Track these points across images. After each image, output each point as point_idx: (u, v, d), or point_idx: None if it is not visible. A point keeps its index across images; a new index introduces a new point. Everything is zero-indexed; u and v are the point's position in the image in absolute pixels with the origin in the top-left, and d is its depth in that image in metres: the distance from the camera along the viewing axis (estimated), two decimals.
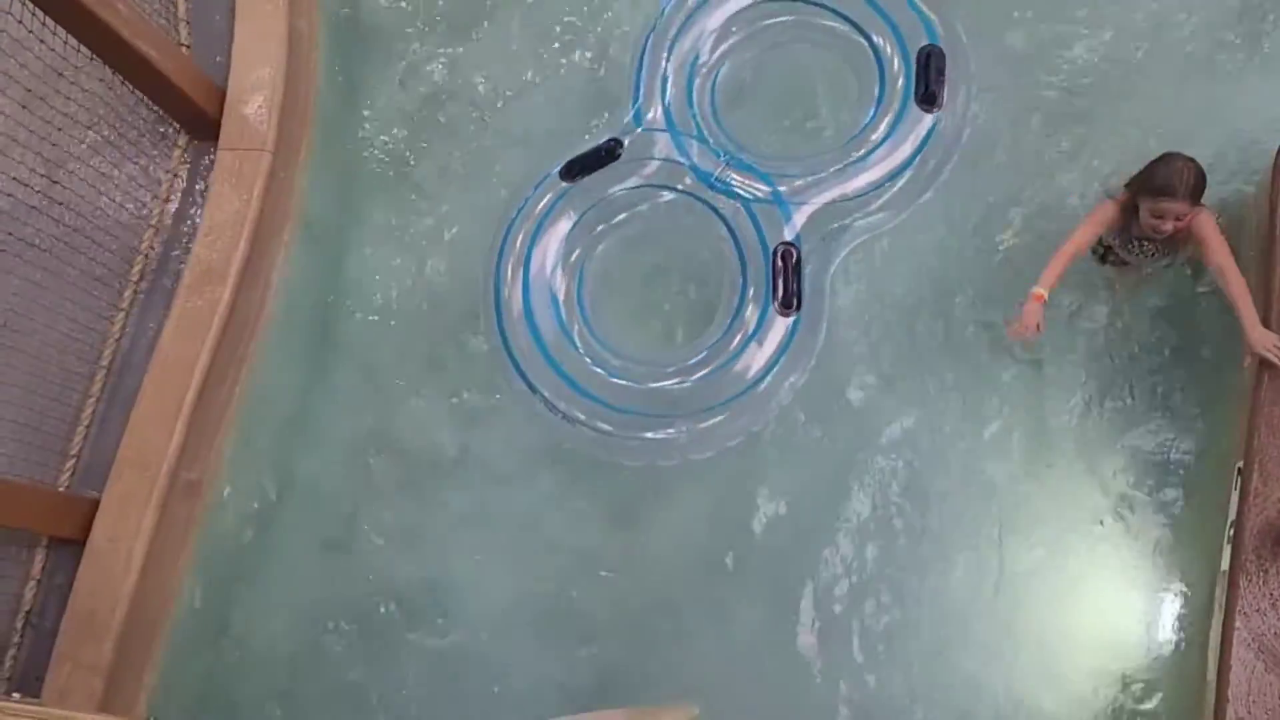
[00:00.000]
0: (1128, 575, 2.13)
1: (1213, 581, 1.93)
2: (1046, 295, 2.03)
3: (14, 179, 2.14)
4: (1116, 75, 2.45)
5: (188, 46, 2.46)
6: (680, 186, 2.13)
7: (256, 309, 2.30)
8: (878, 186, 2.05)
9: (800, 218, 2.05)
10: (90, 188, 2.24)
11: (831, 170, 2.08)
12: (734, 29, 2.25)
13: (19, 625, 2.07)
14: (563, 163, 2.13)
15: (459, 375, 2.39)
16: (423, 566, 2.29)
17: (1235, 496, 1.86)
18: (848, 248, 2.15)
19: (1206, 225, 1.95)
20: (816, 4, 2.16)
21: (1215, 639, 1.82)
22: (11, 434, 2.11)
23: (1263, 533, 1.80)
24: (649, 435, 2.05)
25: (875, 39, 2.11)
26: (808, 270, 2.04)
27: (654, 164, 2.15)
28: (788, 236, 2.04)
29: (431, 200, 2.59)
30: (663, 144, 2.16)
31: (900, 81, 2.08)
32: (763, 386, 2.01)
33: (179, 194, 2.34)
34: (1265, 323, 1.91)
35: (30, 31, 2.04)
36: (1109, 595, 2.16)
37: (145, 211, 2.31)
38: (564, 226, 2.14)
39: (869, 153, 2.06)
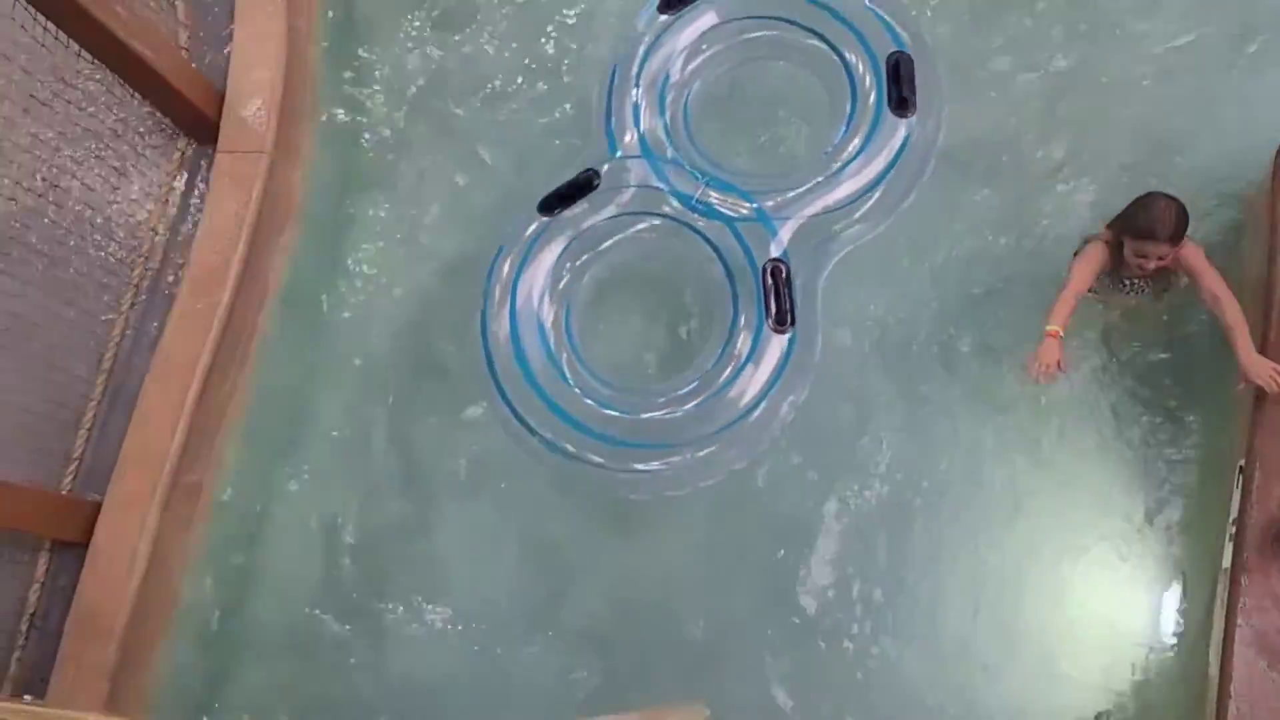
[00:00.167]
0: (1130, 575, 2.13)
1: (1214, 579, 1.92)
2: (1061, 331, 2.01)
3: (16, 183, 2.17)
4: (1096, 86, 2.47)
5: (187, 49, 2.48)
6: (662, 211, 2.12)
7: (256, 310, 2.32)
8: (860, 195, 2.04)
9: (786, 233, 2.03)
10: (91, 191, 2.26)
11: (814, 183, 2.07)
12: (704, 46, 2.24)
13: (24, 628, 2.10)
14: (540, 198, 2.12)
15: (457, 376, 2.39)
16: (426, 565, 2.31)
17: (1237, 494, 1.86)
18: (835, 258, 2.14)
19: (1194, 257, 1.97)
20: (782, 20, 2.16)
21: (1218, 637, 1.83)
22: (13, 437, 2.15)
23: (1264, 530, 1.80)
24: (642, 467, 2.05)
25: (843, 50, 2.11)
26: (799, 284, 2.03)
27: (631, 191, 2.14)
28: (775, 253, 2.02)
29: (425, 202, 2.60)
30: (639, 170, 2.14)
31: (871, 90, 2.07)
32: (761, 409, 2.00)
33: (179, 196, 2.37)
34: (1264, 341, 1.90)
35: (31, 37, 2.06)
36: (1112, 595, 2.17)
37: (145, 214, 2.34)
38: (547, 259, 2.12)
39: (848, 162, 2.05)
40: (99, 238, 2.24)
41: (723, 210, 2.06)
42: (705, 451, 2.01)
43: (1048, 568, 2.15)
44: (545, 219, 2.12)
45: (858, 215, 2.08)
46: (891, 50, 2.05)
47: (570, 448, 1.98)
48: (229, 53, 2.44)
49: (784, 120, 2.53)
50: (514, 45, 2.70)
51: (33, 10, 1.98)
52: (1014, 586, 2.18)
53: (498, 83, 2.68)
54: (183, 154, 2.39)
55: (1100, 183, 2.36)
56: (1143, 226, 1.91)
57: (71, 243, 2.22)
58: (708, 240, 2.08)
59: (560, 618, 2.23)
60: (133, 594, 2.06)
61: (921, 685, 2.11)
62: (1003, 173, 2.45)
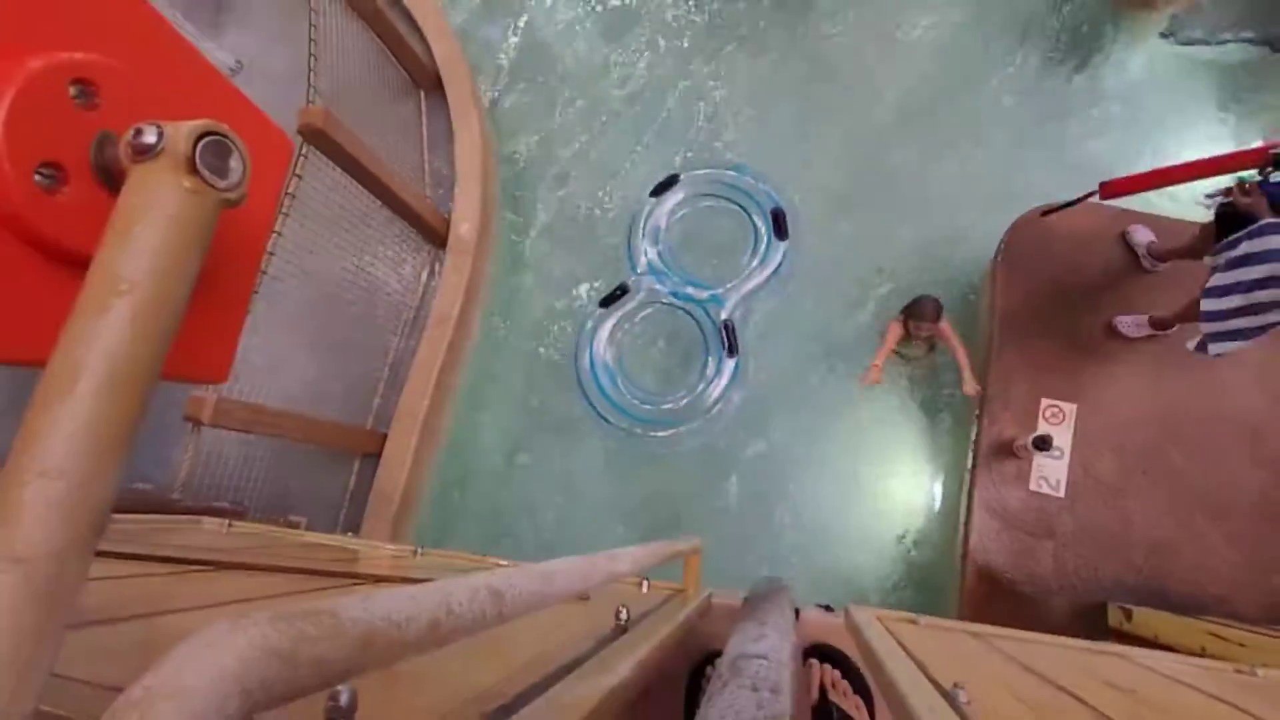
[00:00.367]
0: (919, 471, 3.74)
1: (962, 472, 3.46)
2: (879, 363, 3.53)
3: (343, 268, 4.13)
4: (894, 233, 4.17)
5: (429, 196, 4.48)
6: (663, 301, 4.02)
7: (467, 335, 4.21)
8: (763, 284, 3.87)
9: (729, 305, 3.89)
10: (382, 271, 4.22)
11: (741, 278, 3.93)
12: (677, 211, 4.17)
13: (346, 499, 3.93)
14: (598, 300, 4.10)
15: (565, 376, 4.23)
16: (553, 480, 4.09)
17: (974, 428, 3.45)
18: (754, 316, 3.97)
19: (945, 329, 3.48)
20: (718, 196, 4.08)
21: (964, 502, 3.35)
22: (342, 400, 4.03)
23: (989, 446, 3.37)
24: (660, 434, 3.91)
25: (749, 209, 4.01)
26: (740, 332, 3.87)
27: (645, 292, 4.06)
28: (725, 315, 3.89)
29: (549, 289, 4.49)
30: (649, 280, 4.06)
31: (764, 228, 3.93)
32: (721, 404, 3.83)
33: (426, 275, 4.31)
34: (986, 365, 3.51)
35: (350, 192, 4.04)
36: (910, 482, 3.71)
37: (410, 284, 4.28)
38: (607, 328, 4.05)
39: (758, 265, 3.92)
40: (386, 296, 4.19)
41: (694, 297, 3.95)
42: (692, 425, 3.84)
43: (874, 477, 3.74)
44: (603, 310, 4.05)
45: (763, 294, 3.93)
46: (774, 206, 3.93)
47: (622, 425, 3.87)
48: (453, 200, 4.43)
49: (722, 247, 4.25)
50: (583, 204, 4.57)
51: (350, 178, 3.93)
52: (855, 485, 3.77)
53: (581, 222, 4.58)
54: (429, 252, 4.36)
55: (897, 282, 3.99)
56: (918, 313, 3.46)
57: (372, 299, 4.17)
58: (689, 313, 3.98)
59: (619, 502, 3.97)
60: (404, 481, 3.85)
61: (804, 542, 3.76)
62: (839, 275, 4.11)
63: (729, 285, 3.97)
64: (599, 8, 4.84)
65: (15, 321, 0.49)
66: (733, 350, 3.83)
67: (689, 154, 4.42)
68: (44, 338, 0.42)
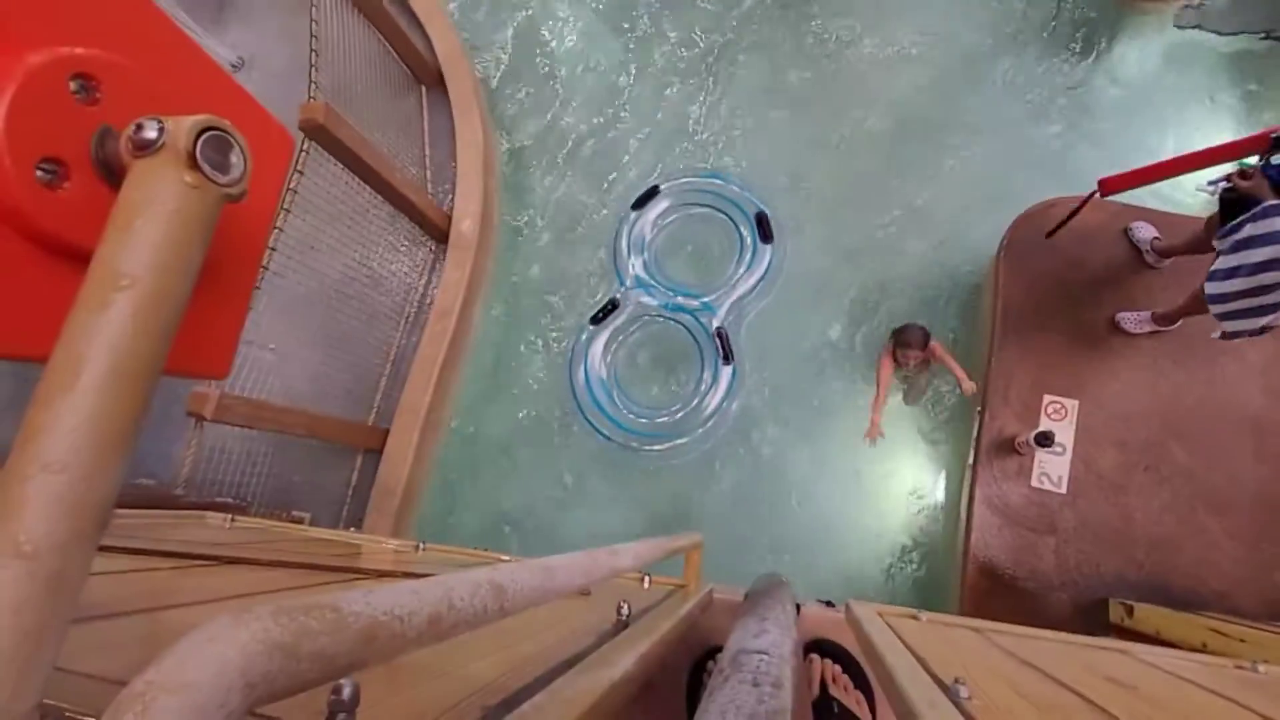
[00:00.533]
0: (921, 469, 3.74)
1: (963, 470, 3.46)
2: (879, 417, 3.60)
3: (344, 264, 4.13)
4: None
5: (431, 193, 4.48)
6: (653, 313, 3.99)
7: (468, 329, 4.22)
8: (753, 289, 3.86)
9: (722, 311, 3.87)
10: (385, 268, 4.21)
11: (730, 285, 3.91)
12: (661, 220, 4.15)
13: (348, 494, 3.94)
14: (590, 316, 4.08)
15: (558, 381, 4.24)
16: (555, 475, 4.10)
17: (976, 426, 3.44)
18: (746, 321, 3.95)
19: (937, 349, 3.51)
20: (701, 204, 4.06)
21: (966, 499, 3.34)
22: (344, 395, 4.04)
23: (991, 442, 3.36)
24: (655, 448, 3.90)
25: (734, 215, 3.98)
26: (734, 338, 3.85)
27: (635, 306, 4.03)
28: (718, 323, 3.87)
29: (560, 280, 4.46)
30: (638, 293, 4.03)
31: (749, 230, 3.91)
32: (716, 418, 3.81)
33: (428, 269, 4.31)
34: (988, 362, 3.52)
35: (348, 186, 4.04)
36: (914, 479, 3.72)
37: (411, 279, 4.28)
38: (601, 342, 4.03)
39: (746, 270, 3.89)
40: (387, 292, 4.19)
41: (685, 306, 3.92)
42: (693, 436, 3.83)
43: (875, 474, 3.74)
44: (593, 327, 4.05)
45: (753, 298, 3.90)
46: (757, 210, 3.90)
47: (617, 439, 3.85)
48: (454, 193, 4.43)
49: (709, 254, 4.24)
50: (584, 200, 4.58)
51: (351, 174, 3.94)
52: (855, 482, 3.78)
53: (582, 219, 4.57)
54: (430, 248, 4.36)
55: (895, 281, 3.99)
56: (905, 341, 3.49)
57: (373, 295, 4.17)
58: (681, 324, 3.95)
59: (620, 499, 3.98)
60: (406, 476, 3.87)
61: (805, 539, 3.76)
62: (834, 275, 4.09)
63: (719, 293, 3.94)
64: (598, 6, 4.83)
65: (17, 316, 0.49)
66: (728, 357, 3.82)
67: (688, 147, 4.42)
68: (46, 333, 0.42)
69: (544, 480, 4.01)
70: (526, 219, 4.58)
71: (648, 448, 3.88)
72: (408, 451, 3.88)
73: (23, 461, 0.37)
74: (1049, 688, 0.89)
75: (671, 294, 4.00)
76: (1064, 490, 3.19)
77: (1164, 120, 4.01)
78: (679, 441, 3.86)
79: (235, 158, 0.48)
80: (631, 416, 3.91)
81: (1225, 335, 2.63)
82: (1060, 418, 3.26)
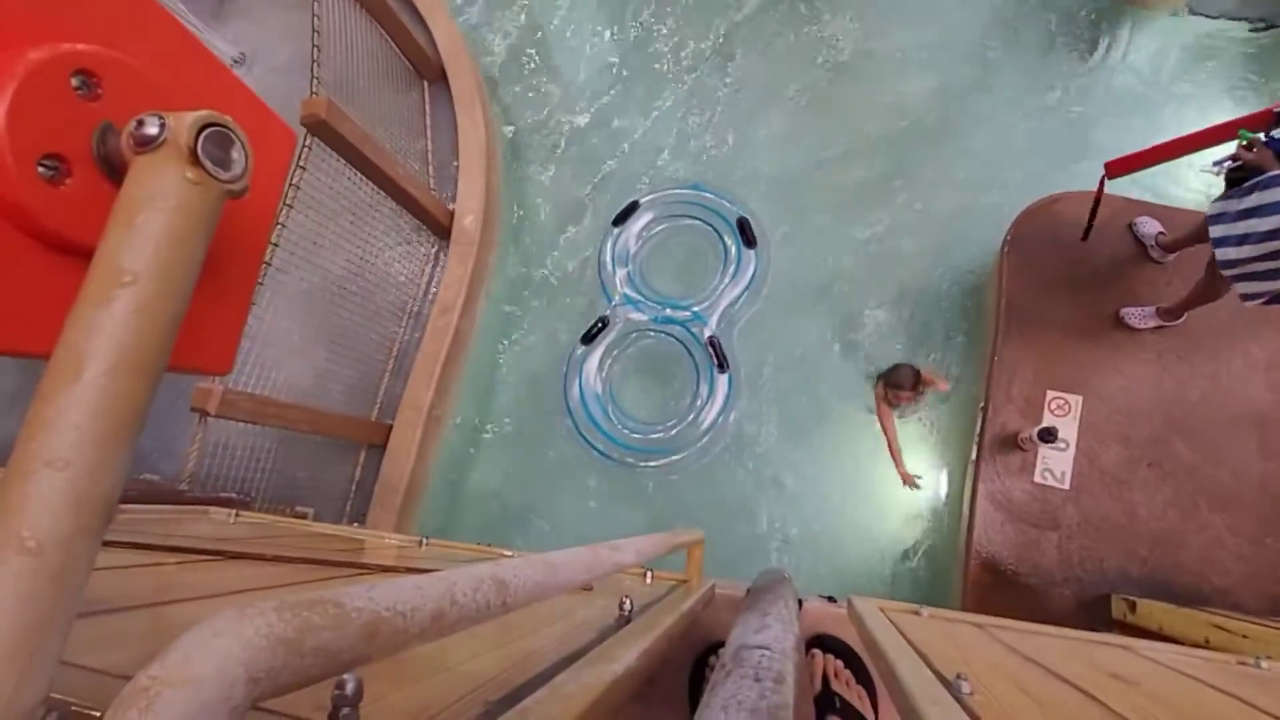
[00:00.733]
0: (922, 466, 3.72)
1: (966, 466, 3.45)
2: (905, 467, 3.61)
3: (346, 261, 4.13)
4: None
5: (434, 189, 4.47)
6: (643, 328, 3.97)
7: (470, 325, 4.22)
8: (740, 295, 3.84)
9: (713, 321, 3.85)
10: (387, 264, 4.21)
11: (719, 292, 3.89)
12: (645, 233, 4.12)
13: (352, 489, 3.95)
14: (581, 335, 4.06)
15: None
16: (557, 470, 4.10)
17: (979, 424, 3.42)
18: (737, 327, 3.93)
19: (929, 373, 3.55)
20: (683, 215, 4.04)
21: (969, 495, 3.34)
22: (347, 391, 4.04)
23: (994, 438, 3.35)
24: (650, 465, 3.88)
25: (713, 223, 3.96)
26: (726, 346, 3.83)
27: (625, 322, 4.01)
28: (710, 332, 3.86)
29: (561, 278, 4.47)
30: (626, 308, 4.01)
31: (732, 237, 3.90)
32: (713, 433, 3.78)
33: (430, 265, 4.31)
34: (992, 352, 3.54)
35: (354, 183, 4.03)
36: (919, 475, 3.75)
37: (413, 275, 4.28)
38: (594, 360, 4.01)
39: (732, 278, 3.88)
40: (390, 287, 4.19)
41: (675, 318, 3.89)
42: (693, 449, 3.81)
43: (877, 471, 3.72)
44: (585, 346, 4.04)
45: (742, 305, 3.89)
46: (739, 216, 3.88)
47: (612, 455, 3.84)
48: (456, 189, 4.43)
49: (695, 264, 4.22)
50: (586, 197, 4.59)
51: (354, 170, 3.92)
52: (857, 478, 3.77)
53: (585, 214, 4.58)
54: (432, 244, 4.36)
55: (891, 278, 3.98)
56: (895, 382, 3.53)
57: (376, 290, 4.17)
58: (674, 336, 3.93)
59: (621, 496, 3.98)
60: (409, 472, 3.87)
61: (807, 535, 3.76)
62: (829, 275, 4.09)
63: (707, 302, 3.92)
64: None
65: (19, 313, 0.49)
66: (723, 365, 3.81)
67: (689, 144, 4.41)
68: (48, 329, 0.42)
69: (547, 476, 4.02)
70: (528, 214, 4.57)
71: (644, 464, 3.86)
72: (411, 447, 3.89)
73: (26, 457, 0.37)
74: (1051, 683, 0.89)
75: (660, 307, 3.98)
76: (1067, 486, 3.18)
77: (1168, 115, 3.98)
78: (675, 457, 3.84)
79: (237, 154, 0.48)
80: (626, 432, 3.90)
81: (1244, 297, 2.61)
82: (1064, 413, 3.25)
